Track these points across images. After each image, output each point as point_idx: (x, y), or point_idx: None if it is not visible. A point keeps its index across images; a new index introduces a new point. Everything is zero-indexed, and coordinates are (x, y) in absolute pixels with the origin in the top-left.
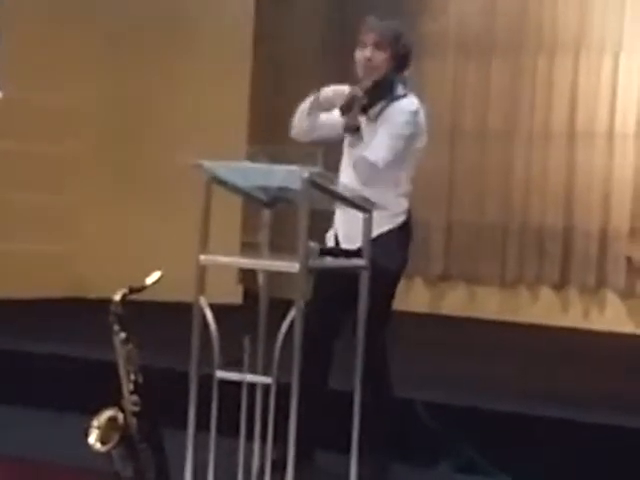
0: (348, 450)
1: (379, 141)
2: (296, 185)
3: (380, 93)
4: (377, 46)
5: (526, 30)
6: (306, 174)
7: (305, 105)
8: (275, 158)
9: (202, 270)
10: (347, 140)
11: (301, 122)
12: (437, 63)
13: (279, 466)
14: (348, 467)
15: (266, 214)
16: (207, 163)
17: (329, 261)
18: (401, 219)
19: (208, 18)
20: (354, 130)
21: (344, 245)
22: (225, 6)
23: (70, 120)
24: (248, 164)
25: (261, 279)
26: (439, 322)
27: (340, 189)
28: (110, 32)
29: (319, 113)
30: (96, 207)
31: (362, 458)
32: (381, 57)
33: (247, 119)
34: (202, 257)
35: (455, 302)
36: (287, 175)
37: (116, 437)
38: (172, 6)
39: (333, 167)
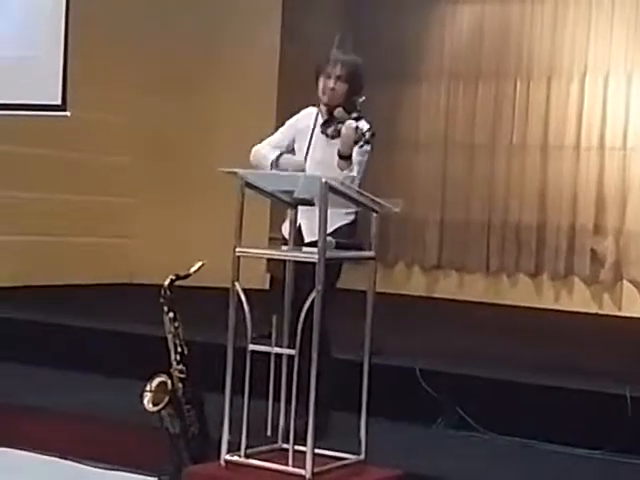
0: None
1: (355, 160)
2: (315, 189)
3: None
4: (340, 78)
5: (506, 60)
6: (324, 180)
7: (267, 159)
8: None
9: (237, 260)
10: (338, 162)
11: (261, 165)
12: (433, 87)
13: (302, 423)
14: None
15: (290, 213)
16: (241, 171)
17: (343, 253)
18: (353, 217)
19: (240, 50)
20: (348, 157)
21: (309, 238)
22: (255, 40)
23: (125, 135)
24: (274, 172)
25: (287, 268)
26: (434, 303)
27: (354, 194)
28: (159, 62)
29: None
30: (148, 208)
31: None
32: (343, 88)
33: None
34: (237, 249)
35: (447, 287)
36: (307, 181)
37: (165, 399)
38: (211, 42)
39: None
